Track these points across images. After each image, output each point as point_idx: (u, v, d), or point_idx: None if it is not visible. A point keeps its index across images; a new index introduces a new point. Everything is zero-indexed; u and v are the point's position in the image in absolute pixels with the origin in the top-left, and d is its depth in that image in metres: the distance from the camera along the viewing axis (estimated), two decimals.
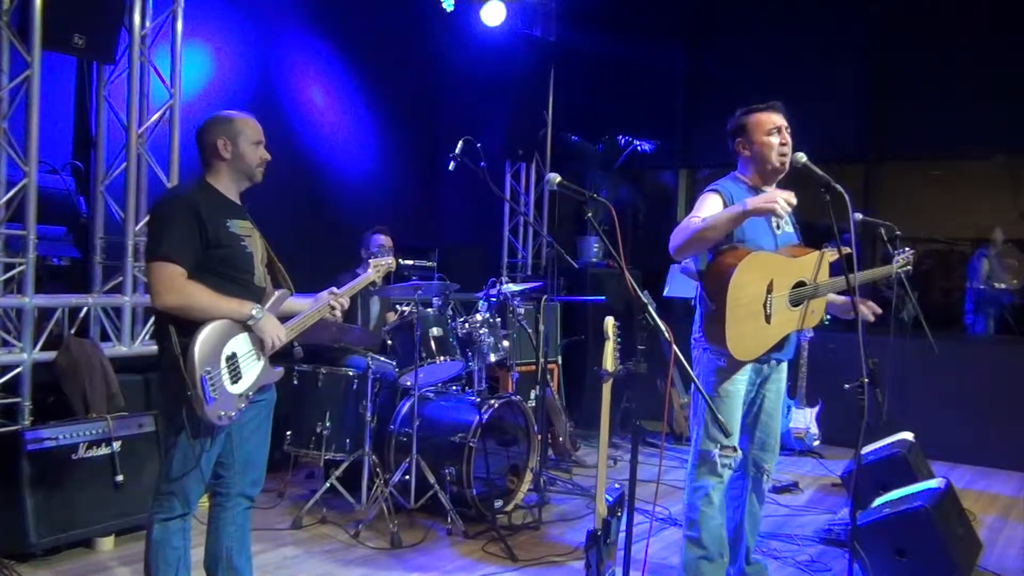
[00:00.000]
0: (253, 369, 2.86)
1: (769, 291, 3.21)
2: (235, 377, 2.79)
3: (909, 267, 3.75)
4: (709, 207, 3.21)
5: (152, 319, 4.69)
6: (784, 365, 3.51)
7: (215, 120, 2.90)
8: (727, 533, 3.61)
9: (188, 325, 2.71)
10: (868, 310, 3.39)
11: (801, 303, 3.31)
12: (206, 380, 2.67)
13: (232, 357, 2.78)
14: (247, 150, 2.89)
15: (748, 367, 3.33)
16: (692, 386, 2.95)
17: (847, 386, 3.13)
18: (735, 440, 3.35)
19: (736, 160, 3.42)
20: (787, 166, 3.31)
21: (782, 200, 3.00)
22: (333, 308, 3.13)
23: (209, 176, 2.90)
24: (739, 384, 3.32)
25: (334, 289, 3.17)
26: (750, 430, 3.49)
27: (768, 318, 3.23)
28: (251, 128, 2.91)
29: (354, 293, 3.30)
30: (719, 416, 2.90)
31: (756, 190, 3.32)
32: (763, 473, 3.52)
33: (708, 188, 3.33)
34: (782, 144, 3.29)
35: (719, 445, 3.29)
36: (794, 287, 3.30)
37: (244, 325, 2.82)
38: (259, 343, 2.88)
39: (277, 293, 2.98)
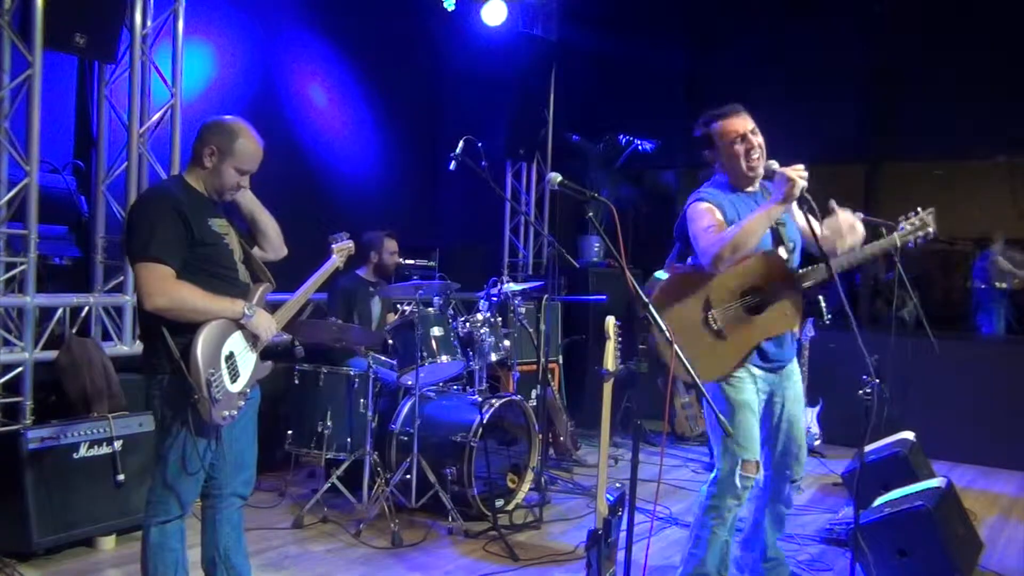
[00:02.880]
0: (248, 366, 2.87)
1: (707, 307, 3.11)
2: (234, 376, 2.79)
3: (929, 229, 3.23)
4: (711, 217, 3.12)
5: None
6: (794, 367, 3.39)
7: (220, 127, 2.82)
8: (748, 534, 3.58)
9: (180, 327, 2.69)
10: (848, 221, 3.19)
11: (762, 309, 3.16)
12: (212, 383, 2.67)
13: (230, 356, 2.79)
14: (228, 173, 2.82)
15: (756, 373, 3.22)
16: (702, 394, 2.92)
17: (861, 392, 2.99)
18: (755, 453, 3.22)
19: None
20: (760, 171, 3.19)
21: (797, 178, 2.90)
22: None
23: (188, 175, 2.85)
24: (747, 392, 3.21)
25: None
26: (771, 442, 3.37)
27: (719, 333, 3.12)
28: (248, 156, 2.83)
29: (324, 280, 3.33)
30: (720, 417, 2.87)
31: (737, 193, 3.24)
32: (788, 480, 3.40)
33: (694, 200, 3.21)
34: (749, 150, 3.18)
35: (740, 462, 3.17)
36: (743, 295, 3.16)
37: (237, 323, 2.82)
38: (253, 339, 2.89)
39: (260, 288, 2.98)
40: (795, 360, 3.42)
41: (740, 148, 3.19)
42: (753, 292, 3.18)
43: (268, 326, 2.91)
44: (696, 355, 3.01)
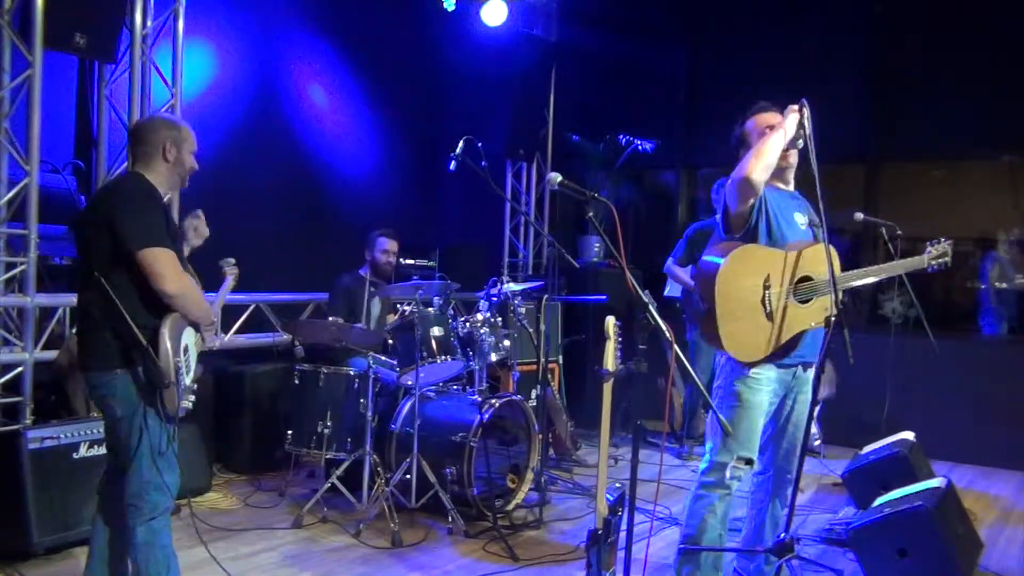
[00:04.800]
0: (194, 363, 2.95)
1: (767, 286, 3.12)
2: (188, 369, 2.85)
3: (947, 259, 3.58)
4: None
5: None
6: (809, 372, 3.36)
7: (163, 122, 2.97)
8: (750, 534, 3.58)
9: (141, 317, 2.71)
10: None
11: (810, 299, 3.19)
12: (179, 370, 2.73)
13: (187, 349, 2.85)
14: (187, 158, 2.96)
15: (772, 376, 3.22)
16: (706, 396, 2.93)
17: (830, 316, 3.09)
18: (753, 452, 3.23)
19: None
20: (793, 161, 3.27)
21: (791, 115, 3.11)
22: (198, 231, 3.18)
23: (150, 174, 2.89)
24: (762, 394, 3.21)
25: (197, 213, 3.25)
26: (777, 439, 3.38)
27: (770, 315, 3.12)
28: (192, 138, 3.00)
29: (223, 303, 3.45)
30: (720, 416, 2.87)
31: (773, 188, 3.26)
32: (788, 482, 3.41)
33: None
34: None
35: (734, 456, 3.18)
36: (798, 282, 3.18)
37: (188, 320, 2.87)
38: (201, 339, 2.99)
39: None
40: (812, 366, 3.37)
41: None
42: (805, 281, 3.21)
43: (214, 329, 3.02)
44: (747, 331, 3.09)
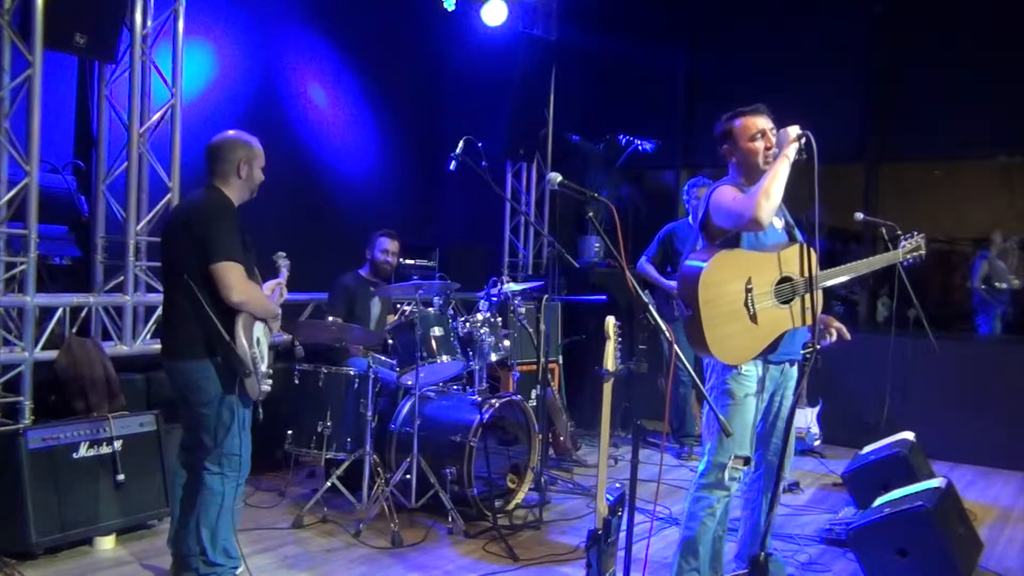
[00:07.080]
0: (266, 352, 3.37)
1: (748, 289, 3.13)
2: (262, 357, 3.30)
3: (921, 252, 3.61)
4: (737, 191, 3.17)
5: (151, 316, 4.71)
6: (795, 368, 3.43)
7: (238, 142, 3.34)
8: (746, 534, 3.59)
9: (223, 315, 3.17)
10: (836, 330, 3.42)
11: (791, 300, 3.21)
12: (255, 360, 3.22)
13: (259, 341, 3.30)
14: (257, 174, 3.39)
15: (760, 372, 3.25)
16: (701, 393, 2.95)
17: (803, 353, 3.17)
18: (749, 451, 3.26)
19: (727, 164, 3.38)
20: None
21: (790, 129, 3.09)
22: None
23: (226, 188, 3.31)
24: (751, 390, 3.24)
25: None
26: (767, 437, 3.42)
27: (753, 317, 3.14)
28: (262, 155, 3.41)
29: (284, 295, 3.71)
30: (720, 416, 2.89)
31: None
32: (777, 478, 3.47)
33: (715, 187, 3.25)
34: (767, 148, 3.21)
35: (732, 456, 3.20)
36: (778, 283, 3.20)
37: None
38: (268, 330, 3.41)
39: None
40: (798, 362, 3.44)
41: (759, 144, 3.23)
42: (786, 282, 3.22)
43: (279, 321, 3.48)
44: (731, 335, 3.11)
